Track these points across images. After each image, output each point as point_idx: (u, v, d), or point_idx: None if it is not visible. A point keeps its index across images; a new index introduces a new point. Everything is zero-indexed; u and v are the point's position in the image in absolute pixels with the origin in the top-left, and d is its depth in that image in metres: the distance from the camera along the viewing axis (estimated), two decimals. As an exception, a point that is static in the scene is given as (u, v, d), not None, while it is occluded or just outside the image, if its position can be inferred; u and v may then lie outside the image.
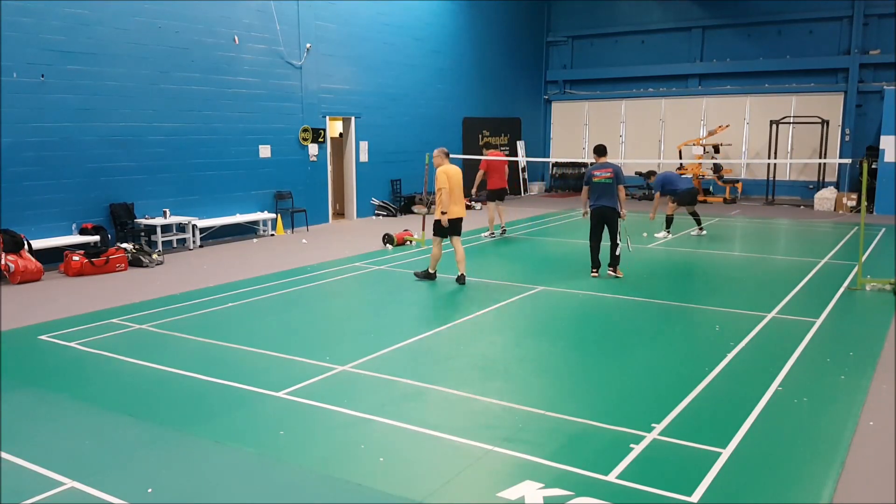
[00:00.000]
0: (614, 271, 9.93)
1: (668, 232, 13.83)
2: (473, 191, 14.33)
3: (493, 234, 14.10)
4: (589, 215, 10.07)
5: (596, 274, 9.96)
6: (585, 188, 10.02)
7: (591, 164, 10.09)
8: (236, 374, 6.04)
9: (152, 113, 12.41)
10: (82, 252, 10.57)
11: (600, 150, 10.09)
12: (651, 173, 14.76)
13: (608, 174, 9.75)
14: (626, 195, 9.99)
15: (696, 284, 10.17)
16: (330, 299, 9.31)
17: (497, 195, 14.07)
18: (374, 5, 16.97)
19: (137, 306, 8.52)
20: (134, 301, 8.79)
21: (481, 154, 21.02)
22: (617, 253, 9.89)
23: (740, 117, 21.55)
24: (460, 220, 9.80)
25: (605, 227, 9.84)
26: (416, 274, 10.06)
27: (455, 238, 9.83)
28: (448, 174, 9.52)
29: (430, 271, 9.87)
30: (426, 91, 19.14)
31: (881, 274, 9.88)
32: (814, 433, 4.89)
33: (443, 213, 9.48)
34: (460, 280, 9.63)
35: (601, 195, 9.78)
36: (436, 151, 9.93)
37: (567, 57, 24.58)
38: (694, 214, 14.01)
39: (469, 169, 20.71)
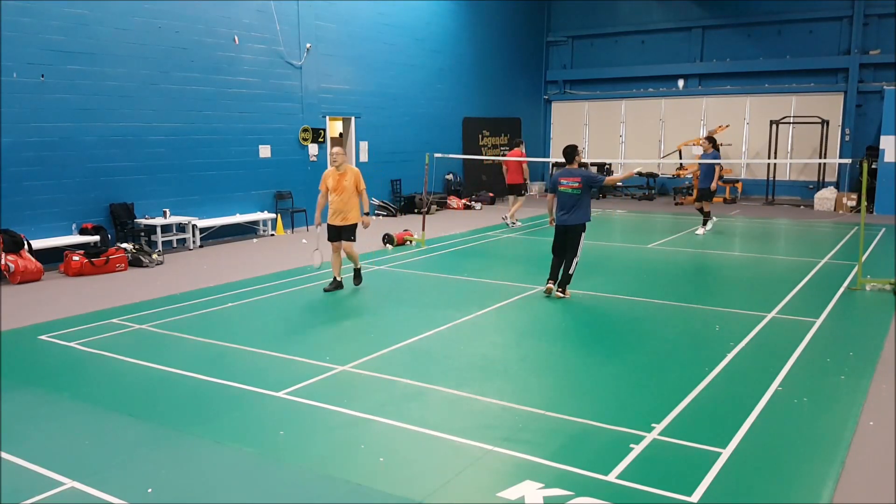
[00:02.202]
0: (562, 292, 8.67)
1: (705, 228, 14.34)
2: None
3: (507, 223, 15.52)
4: (554, 227, 8.89)
5: (551, 286, 8.75)
6: (550, 196, 8.86)
7: (564, 167, 8.91)
8: (236, 374, 6.04)
9: (152, 113, 12.41)
10: (82, 252, 10.57)
11: (568, 154, 8.80)
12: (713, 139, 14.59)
13: (575, 184, 8.49)
14: (619, 184, 9.63)
15: (696, 284, 10.17)
16: (330, 299, 9.29)
17: (510, 190, 15.72)
18: (374, 5, 16.97)
19: (137, 306, 8.52)
20: (134, 301, 8.79)
21: (481, 154, 21.20)
22: (570, 272, 8.64)
23: (740, 117, 21.56)
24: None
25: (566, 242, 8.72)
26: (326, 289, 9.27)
27: (338, 243, 9.23)
28: None
29: (340, 279, 9.31)
30: (426, 91, 19.14)
31: (881, 274, 9.88)
32: (814, 433, 4.89)
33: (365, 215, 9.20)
34: (340, 286, 9.28)
35: (566, 208, 8.60)
36: (342, 150, 9.04)
37: (567, 57, 24.58)
38: (701, 210, 14.45)
39: (470, 169, 20.81)
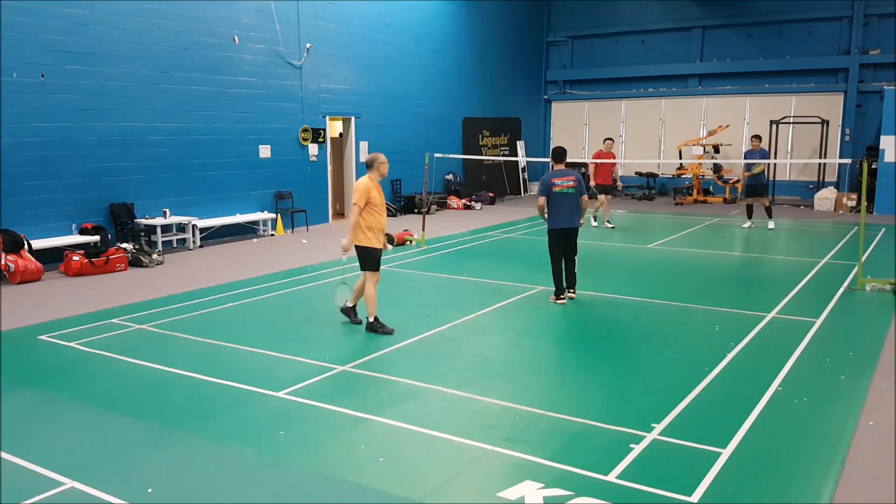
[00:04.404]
0: (573, 293, 8.68)
1: (751, 222, 15.24)
2: (592, 184, 15.70)
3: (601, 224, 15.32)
4: (548, 235, 8.64)
5: (563, 300, 8.57)
6: (543, 199, 8.46)
7: (550, 171, 8.68)
8: (236, 374, 6.04)
9: (152, 113, 12.41)
10: (82, 252, 10.57)
11: (559, 155, 8.59)
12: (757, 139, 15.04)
13: (571, 183, 8.37)
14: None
15: (696, 284, 10.15)
16: (330, 299, 9.28)
17: (599, 190, 15.17)
18: (374, 5, 16.97)
19: (137, 306, 8.52)
20: (134, 301, 8.79)
21: (481, 154, 21.21)
22: (576, 271, 8.69)
23: (740, 117, 21.55)
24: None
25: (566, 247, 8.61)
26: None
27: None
28: None
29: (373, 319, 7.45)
30: (426, 91, 19.14)
31: (881, 274, 9.88)
32: (814, 433, 4.89)
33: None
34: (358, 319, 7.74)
35: (563, 209, 8.41)
36: (375, 159, 7.38)
37: (567, 57, 24.58)
38: (767, 208, 15.03)
39: (470, 169, 20.81)
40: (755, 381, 5.84)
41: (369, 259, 7.40)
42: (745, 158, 14.80)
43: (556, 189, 8.41)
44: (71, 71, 11.16)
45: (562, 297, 8.62)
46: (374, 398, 5.54)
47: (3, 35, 10.31)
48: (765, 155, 14.68)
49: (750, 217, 15.23)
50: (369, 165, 7.37)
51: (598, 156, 15.13)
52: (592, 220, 15.33)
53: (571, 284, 8.74)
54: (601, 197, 15.11)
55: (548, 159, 9.29)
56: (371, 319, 7.40)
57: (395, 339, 7.10)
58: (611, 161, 14.84)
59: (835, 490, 4.09)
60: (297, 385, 5.78)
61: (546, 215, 8.61)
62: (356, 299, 7.72)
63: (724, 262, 11.68)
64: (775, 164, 20.55)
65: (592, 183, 15.37)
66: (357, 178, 16.65)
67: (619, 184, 16.09)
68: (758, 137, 14.86)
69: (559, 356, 6.82)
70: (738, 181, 20.75)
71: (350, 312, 7.71)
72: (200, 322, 7.88)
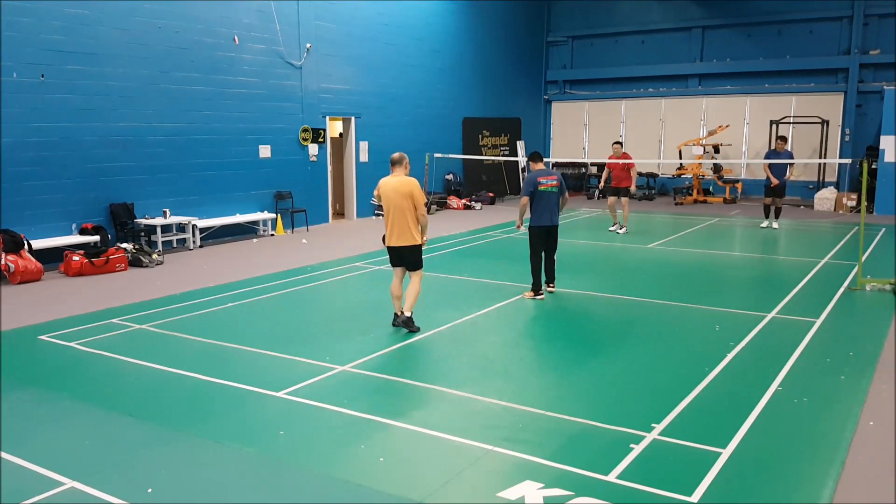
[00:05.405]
0: (552, 287, 9.06)
1: (769, 221, 15.38)
2: (600, 185, 15.58)
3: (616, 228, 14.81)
4: (531, 232, 8.84)
5: (542, 296, 8.80)
6: (526, 199, 8.78)
7: (531, 171, 8.99)
8: (236, 374, 6.04)
9: (152, 113, 12.41)
10: (82, 252, 10.57)
11: (538, 156, 9.07)
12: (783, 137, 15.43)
13: (554, 182, 8.74)
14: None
15: (696, 284, 10.15)
16: (330, 299, 9.31)
17: (612, 192, 14.80)
18: (374, 5, 16.97)
19: (137, 306, 8.52)
20: (134, 301, 8.79)
21: (481, 154, 21.20)
22: (554, 267, 9.09)
23: (740, 117, 21.55)
24: (398, 248, 7.60)
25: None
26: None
27: (400, 269, 7.69)
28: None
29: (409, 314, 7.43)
30: (426, 91, 19.14)
31: (881, 274, 9.88)
32: (814, 433, 4.89)
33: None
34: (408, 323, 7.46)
35: (547, 208, 8.73)
36: (404, 157, 7.60)
37: (567, 57, 24.58)
38: (778, 208, 15.21)
39: (470, 169, 20.81)
40: (755, 381, 5.84)
41: (420, 256, 7.66)
42: (768, 158, 14.90)
43: (542, 188, 8.74)
44: (71, 71, 11.16)
45: (540, 293, 8.84)
46: (374, 398, 5.54)
47: (3, 35, 10.31)
48: (791, 156, 14.96)
49: (767, 216, 15.39)
50: (399, 163, 7.55)
51: (611, 158, 14.71)
52: (619, 228, 14.54)
53: (551, 279, 9.08)
54: (609, 200, 14.89)
55: (548, 159, 9.39)
56: (409, 314, 7.39)
57: (395, 339, 7.10)
58: (624, 162, 14.38)
59: (835, 490, 4.09)
60: (297, 385, 5.78)
61: (528, 213, 8.90)
62: (410, 307, 7.42)
63: (724, 262, 11.68)
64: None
65: (602, 185, 15.23)
66: (357, 178, 16.90)
67: (634, 186, 15.08)
68: (783, 139, 15.12)
69: (559, 356, 6.82)
70: (736, 182, 20.79)
71: (408, 322, 7.44)
72: (200, 322, 7.88)
